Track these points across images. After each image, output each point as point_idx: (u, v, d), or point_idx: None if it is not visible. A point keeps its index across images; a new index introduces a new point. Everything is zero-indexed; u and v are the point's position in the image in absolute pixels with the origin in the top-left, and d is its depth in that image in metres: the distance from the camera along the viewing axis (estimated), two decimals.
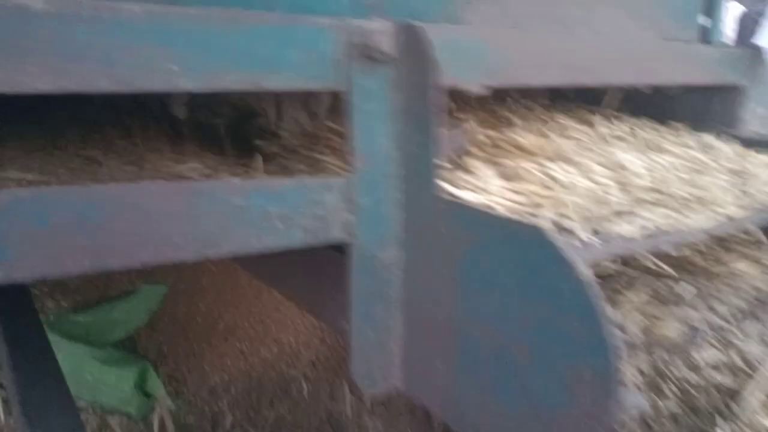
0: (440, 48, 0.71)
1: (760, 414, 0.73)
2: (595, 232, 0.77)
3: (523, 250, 0.62)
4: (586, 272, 0.58)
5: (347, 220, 0.78)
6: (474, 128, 0.99)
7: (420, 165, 0.76)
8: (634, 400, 0.59)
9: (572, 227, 0.72)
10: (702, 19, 1.36)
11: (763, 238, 1.11)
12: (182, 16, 0.59)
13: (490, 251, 0.66)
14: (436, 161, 0.73)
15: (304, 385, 2.46)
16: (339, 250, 1.14)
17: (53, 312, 2.49)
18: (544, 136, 1.07)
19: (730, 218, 0.88)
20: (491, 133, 1.00)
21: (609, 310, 0.57)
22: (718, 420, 0.72)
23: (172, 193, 0.62)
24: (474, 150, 0.93)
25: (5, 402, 2.08)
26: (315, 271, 1.19)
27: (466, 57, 0.79)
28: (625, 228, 0.79)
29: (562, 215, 0.75)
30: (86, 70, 0.55)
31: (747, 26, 2.39)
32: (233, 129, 1.20)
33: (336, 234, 0.78)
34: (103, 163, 0.89)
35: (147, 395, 2.24)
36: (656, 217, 0.83)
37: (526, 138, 1.01)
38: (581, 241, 0.70)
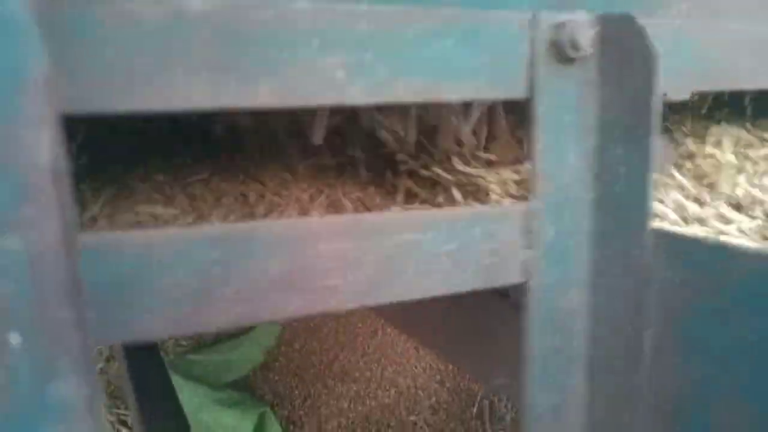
0: None
1: None
2: None
3: None
4: None
5: (527, 257, 0.64)
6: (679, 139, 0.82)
7: (624, 187, 0.60)
8: None
9: None
10: None
11: None
12: (349, 15, 0.48)
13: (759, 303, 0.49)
14: (649, 182, 0.57)
15: None
16: (501, 293, 0.99)
17: (172, 351, 2.49)
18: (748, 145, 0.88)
19: None
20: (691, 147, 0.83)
21: None
22: None
23: (337, 230, 0.50)
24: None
25: None
26: (462, 317, 1.05)
27: (676, 57, 0.63)
28: None
29: None
30: (244, 81, 0.44)
31: None
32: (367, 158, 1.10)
33: (513, 275, 0.64)
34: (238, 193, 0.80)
35: None
36: None
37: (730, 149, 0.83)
38: None
